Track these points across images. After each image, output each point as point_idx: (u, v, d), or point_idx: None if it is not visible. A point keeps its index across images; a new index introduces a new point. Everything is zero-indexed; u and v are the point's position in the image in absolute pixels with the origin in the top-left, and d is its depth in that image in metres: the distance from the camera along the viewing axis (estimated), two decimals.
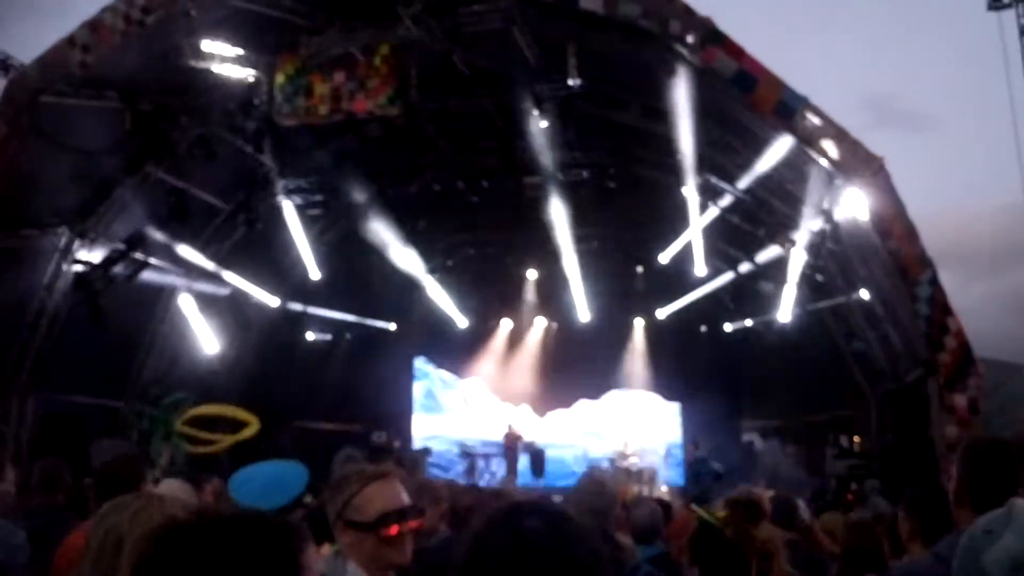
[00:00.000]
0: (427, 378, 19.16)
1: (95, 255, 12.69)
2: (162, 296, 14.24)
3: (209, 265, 14.11)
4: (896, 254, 10.45)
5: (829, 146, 10.16)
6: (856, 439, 14.31)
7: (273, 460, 3.28)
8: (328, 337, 17.81)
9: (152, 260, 13.35)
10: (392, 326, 18.55)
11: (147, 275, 13.43)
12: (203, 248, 14.12)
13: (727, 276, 14.79)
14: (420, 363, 19.06)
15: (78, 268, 12.48)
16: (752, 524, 3.75)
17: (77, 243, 12.49)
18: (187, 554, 1.21)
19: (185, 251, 13.62)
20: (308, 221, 14.54)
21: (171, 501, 2.56)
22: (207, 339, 14.69)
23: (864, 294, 12.12)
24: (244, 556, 1.22)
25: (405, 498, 2.22)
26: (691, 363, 16.94)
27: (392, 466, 1.28)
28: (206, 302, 14.72)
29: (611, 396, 18.22)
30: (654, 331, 17.60)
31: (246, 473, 3.12)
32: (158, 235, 12.89)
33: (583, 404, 18.34)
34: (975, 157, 36.51)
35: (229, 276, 14.60)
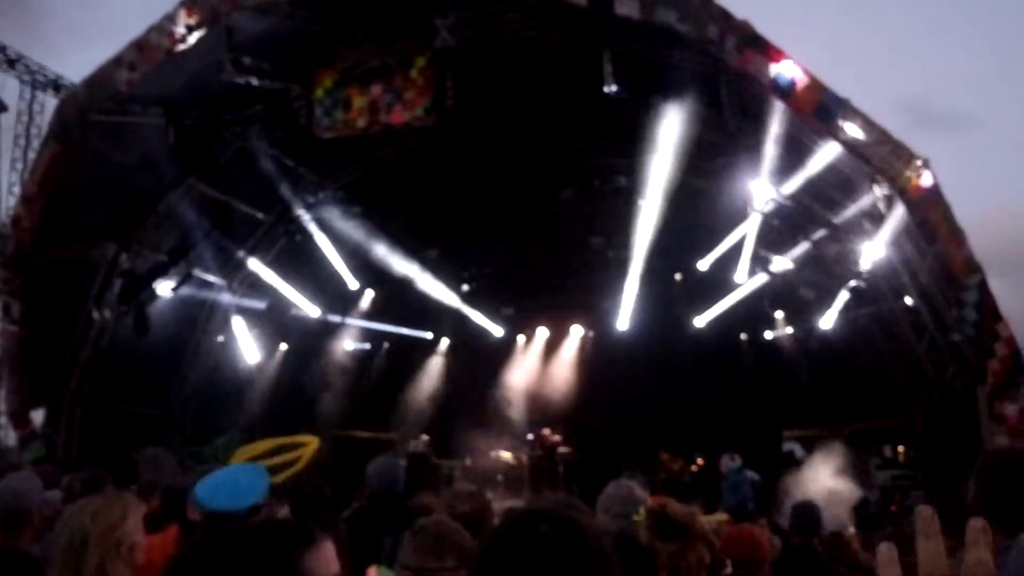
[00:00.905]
0: (463, 385, 19.14)
1: (141, 267, 12.98)
2: (204, 307, 14.50)
3: (251, 276, 14.32)
4: (942, 257, 10.23)
5: (872, 148, 9.99)
6: (900, 449, 13.97)
7: (238, 464, 3.32)
8: (366, 347, 17.95)
9: (195, 272, 13.61)
10: (429, 335, 18.64)
11: (190, 287, 13.69)
12: (245, 259, 14.36)
13: (767, 282, 14.58)
14: (457, 372, 19.06)
15: (124, 280, 12.77)
16: (664, 538, 3.51)
17: (124, 256, 12.79)
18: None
19: (227, 263, 13.86)
20: (346, 232, 14.69)
21: (134, 501, 2.65)
22: (248, 349, 14.91)
23: (909, 300, 11.85)
24: (239, 568, 1.25)
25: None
26: (731, 371, 16.70)
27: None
28: (247, 312, 14.96)
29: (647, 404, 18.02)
30: (693, 339, 17.40)
31: (211, 479, 3.16)
32: (201, 247, 13.13)
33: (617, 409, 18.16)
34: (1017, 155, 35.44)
35: (270, 286, 14.80)
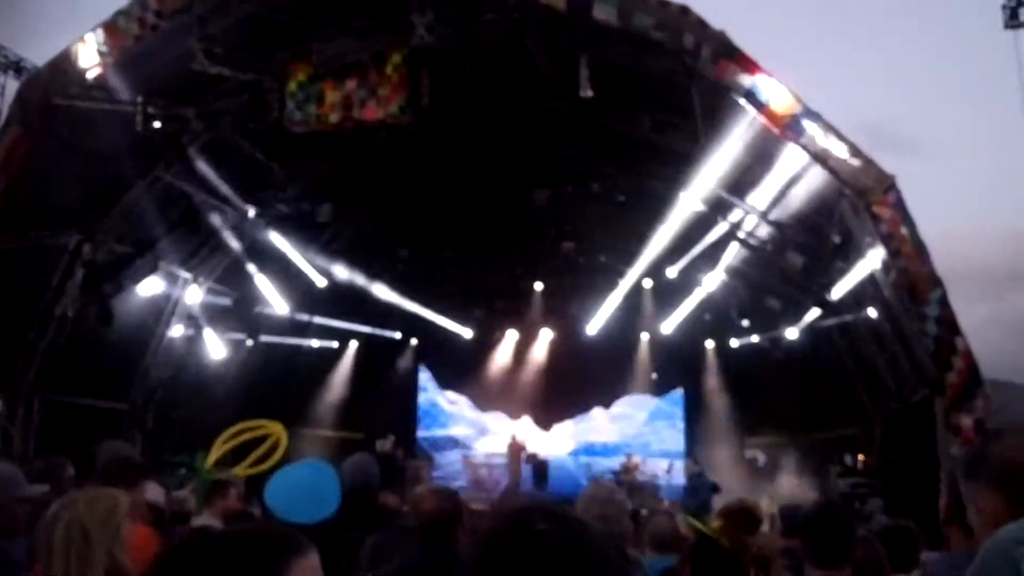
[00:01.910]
0: (431, 388, 19.12)
1: (104, 258, 12.71)
2: (170, 301, 14.26)
3: (218, 271, 14.12)
4: (906, 272, 10.42)
5: (841, 163, 10.14)
6: (860, 458, 14.23)
7: (303, 464, 3.16)
8: (333, 345, 17.81)
9: (161, 264, 13.37)
10: (397, 335, 18.55)
11: (155, 279, 13.45)
12: (211, 253, 14.15)
13: (734, 291, 14.76)
14: (424, 373, 19.03)
15: (87, 271, 12.50)
16: (747, 533, 3.74)
17: (87, 246, 12.51)
18: None
19: (194, 256, 13.64)
20: (316, 228, 14.55)
21: (122, 492, 2.61)
22: (213, 345, 14.70)
23: (872, 312, 12.06)
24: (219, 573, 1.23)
25: None
26: (696, 378, 16.88)
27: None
28: (213, 307, 14.74)
29: (615, 409, 18.16)
30: (659, 345, 17.56)
31: (281, 483, 2.95)
32: (168, 239, 12.91)
33: (586, 416, 18.28)
34: (972, 183, 36.60)
35: (237, 281, 14.61)
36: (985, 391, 10.13)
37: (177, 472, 9.87)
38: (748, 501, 4.24)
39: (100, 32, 10.99)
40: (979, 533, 2.06)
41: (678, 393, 17.67)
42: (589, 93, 10.44)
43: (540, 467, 16.74)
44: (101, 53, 10.97)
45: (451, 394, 18.99)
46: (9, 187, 11.55)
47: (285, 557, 1.27)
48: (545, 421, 18.19)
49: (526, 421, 18.07)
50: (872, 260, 11.03)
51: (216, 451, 8.34)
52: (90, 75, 11.07)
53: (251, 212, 13.38)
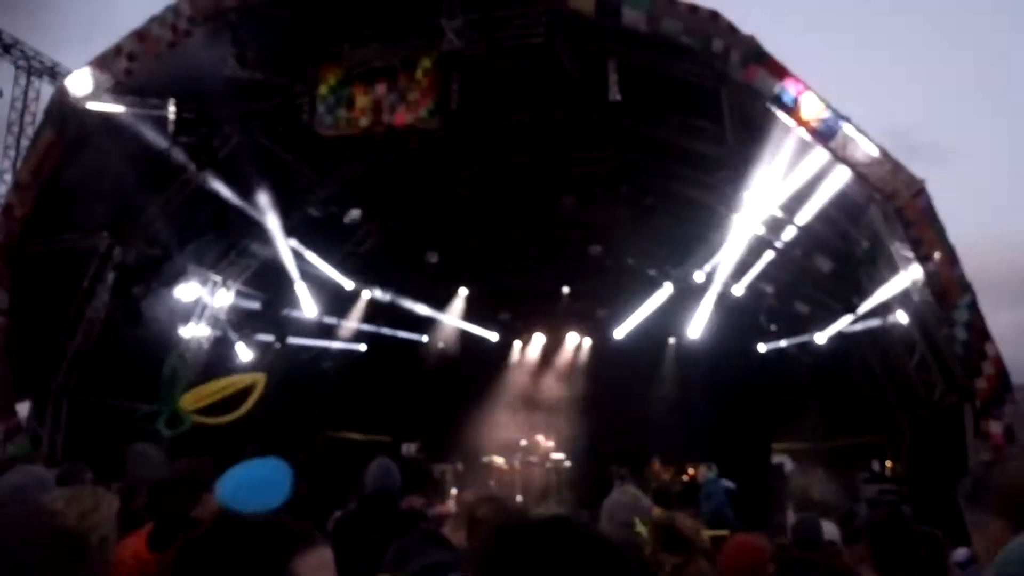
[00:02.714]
0: (456, 390, 19.11)
1: (134, 260, 12.85)
2: (198, 303, 14.38)
3: (247, 274, 14.23)
4: (935, 277, 10.35)
5: (871, 167, 10.09)
6: (888, 464, 14.10)
7: (257, 460, 3.21)
8: (361, 348, 17.87)
9: (191, 267, 13.50)
10: (424, 338, 18.57)
11: (185, 282, 13.57)
12: (240, 256, 14.26)
13: (763, 296, 14.68)
14: (451, 375, 19.03)
15: (117, 273, 12.64)
16: (669, 550, 3.51)
17: (118, 249, 12.66)
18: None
19: (223, 259, 13.76)
20: (345, 232, 14.63)
21: (107, 494, 2.62)
22: (241, 347, 14.81)
23: (901, 317, 11.97)
24: (232, 562, 1.25)
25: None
26: (723, 383, 16.78)
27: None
28: (242, 311, 14.85)
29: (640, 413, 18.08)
30: (686, 350, 17.48)
31: (232, 476, 3.04)
32: (198, 242, 13.03)
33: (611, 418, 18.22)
34: (995, 188, 36.26)
35: (266, 285, 14.71)
36: (1014, 397, 10.04)
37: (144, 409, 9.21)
38: (679, 519, 3.81)
39: (134, 38, 11.14)
40: (984, 560, 2.04)
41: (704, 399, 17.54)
42: (618, 97, 10.47)
43: (564, 471, 16.73)
44: (134, 58, 11.12)
45: (476, 396, 19.00)
46: (42, 191, 11.74)
47: (295, 548, 1.29)
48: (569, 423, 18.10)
49: (551, 424, 18.07)
50: (901, 265, 10.97)
51: (200, 399, 8.07)
52: (123, 80, 11.21)
53: (281, 215, 13.47)
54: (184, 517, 3.29)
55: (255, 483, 3.04)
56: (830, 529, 5.39)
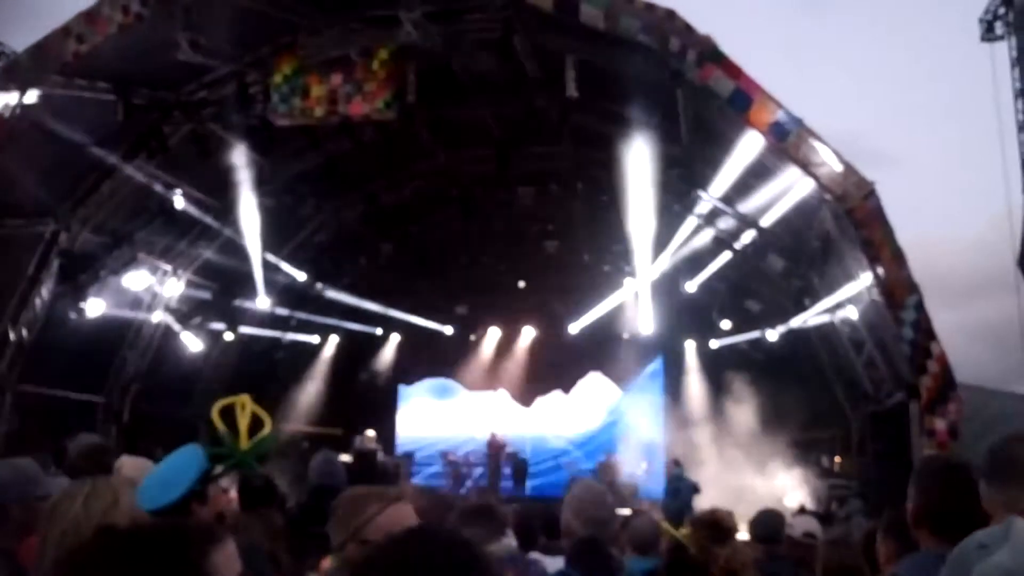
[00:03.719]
0: (412, 384, 19.06)
1: (81, 248, 12.54)
2: (148, 292, 14.10)
3: (197, 263, 13.99)
4: (883, 278, 10.54)
5: (823, 168, 10.24)
6: (837, 459, 14.38)
7: (172, 453, 3.18)
8: (313, 340, 17.70)
9: (140, 255, 13.22)
10: (379, 331, 18.47)
11: (133, 270, 13.29)
12: (191, 245, 14.01)
13: (715, 292, 14.84)
14: (405, 369, 18.97)
15: (63, 260, 12.33)
16: (716, 543, 3.74)
17: (63, 235, 12.35)
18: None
19: (173, 247, 13.50)
20: (298, 222, 14.45)
21: (123, 485, 2.55)
22: (192, 338, 14.56)
23: (851, 315, 12.20)
24: (141, 567, 1.23)
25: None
26: (676, 378, 16.96)
27: (404, 490, 1.31)
28: (192, 300, 14.60)
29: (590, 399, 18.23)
30: (640, 344, 17.61)
31: (148, 477, 3.00)
32: (146, 230, 12.76)
33: (563, 403, 18.37)
34: (942, 192, 37.32)
35: (216, 274, 14.47)
36: (958, 395, 10.29)
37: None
38: (720, 512, 4.19)
39: (82, 19, 10.83)
40: None
41: (658, 385, 17.75)
42: (575, 93, 10.48)
43: (519, 465, 16.78)
44: (83, 40, 10.81)
45: (432, 389, 18.96)
46: None
47: (203, 547, 1.30)
48: (526, 398, 18.21)
49: (504, 394, 18.09)
50: (851, 265, 11.17)
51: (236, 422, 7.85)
52: (71, 61, 10.90)
53: (233, 205, 13.25)
54: None
55: (160, 478, 2.98)
56: (808, 523, 5.27)
